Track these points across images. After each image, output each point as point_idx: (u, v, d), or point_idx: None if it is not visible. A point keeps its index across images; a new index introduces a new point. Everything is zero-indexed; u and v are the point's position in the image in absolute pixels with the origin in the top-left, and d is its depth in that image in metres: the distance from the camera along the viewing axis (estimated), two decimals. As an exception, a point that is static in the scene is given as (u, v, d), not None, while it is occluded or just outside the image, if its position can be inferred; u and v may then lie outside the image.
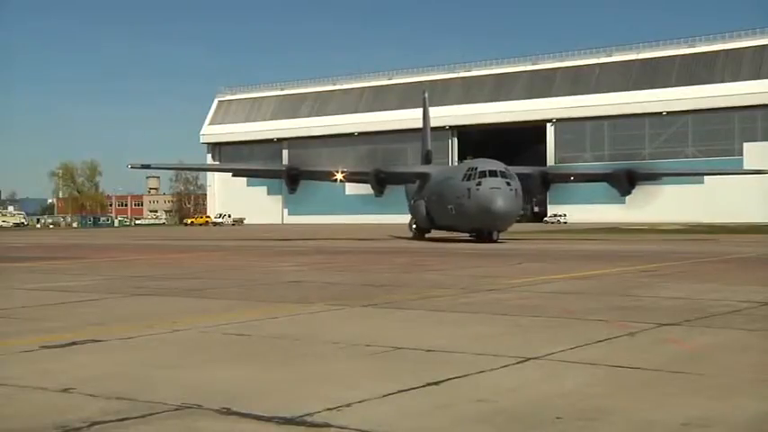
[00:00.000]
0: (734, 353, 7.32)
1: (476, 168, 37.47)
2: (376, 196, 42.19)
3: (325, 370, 6.52)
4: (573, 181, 47.13)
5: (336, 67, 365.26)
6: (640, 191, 42.54)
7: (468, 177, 36.99)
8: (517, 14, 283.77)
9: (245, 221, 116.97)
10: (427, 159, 51.86)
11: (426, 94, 58.48)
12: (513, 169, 45.58)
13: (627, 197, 43.00)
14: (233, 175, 53.18)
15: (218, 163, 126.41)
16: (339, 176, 43.53)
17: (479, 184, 36.32)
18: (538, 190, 44.01)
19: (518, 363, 6.73)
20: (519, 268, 19.39)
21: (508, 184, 36.45)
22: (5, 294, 13.02)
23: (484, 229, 36.82)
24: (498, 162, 39.70)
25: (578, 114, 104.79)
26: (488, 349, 7.33)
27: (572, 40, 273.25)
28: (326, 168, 46.08)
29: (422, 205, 41.99)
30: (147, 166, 48.23)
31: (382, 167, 42.44)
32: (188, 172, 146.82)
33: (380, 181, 41.68)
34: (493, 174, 36.80)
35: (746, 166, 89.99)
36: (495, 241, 36.06)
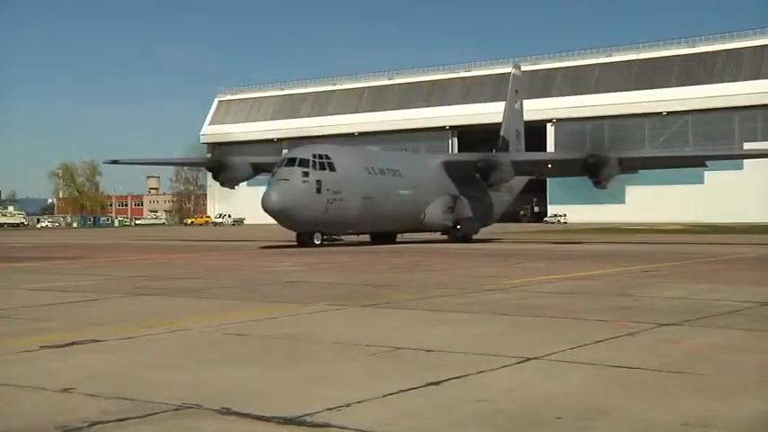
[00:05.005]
0: (734, 353, 7.32)
1: (283, 156, 32.61)
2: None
3: (325, 370, 6.52)
4: (525, 173, 40.42)
5: (336, 67, 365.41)
6: (618, 182, 36.08)
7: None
8: (517, 14, 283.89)
9: (245, 221, 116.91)
10: (502, 147, 46.38)
11: (514, 71, 51.04)
12: (446, 157, 39.84)
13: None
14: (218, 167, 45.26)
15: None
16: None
17: (274, 174, 31.44)
18: (486, 181, 37.05)
19: (518, 363, 6.72)
20: (519, 268, 19.40)
21: (305, 174, 30.66)
22: (5, 294, 13.00)
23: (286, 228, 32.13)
24: (329, 146, 34.17)
25: (578, 114, 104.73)
26: (488, 349, 7.32)
27: (572, 40, 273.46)
28: (256, 159, 40.08)
29: None
30: (116, 162, 50.15)
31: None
32: (188, 171, 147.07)
33: None
34: (291, 162, 31.15)
35: (746, 166, 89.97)
36: (316, 245, 30.96)
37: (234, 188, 39.69)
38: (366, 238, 37.26)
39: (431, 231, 39.02)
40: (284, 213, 30.63)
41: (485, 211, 40.55)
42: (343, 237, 35.13)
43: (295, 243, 31.90)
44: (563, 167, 40.25)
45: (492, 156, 38.33)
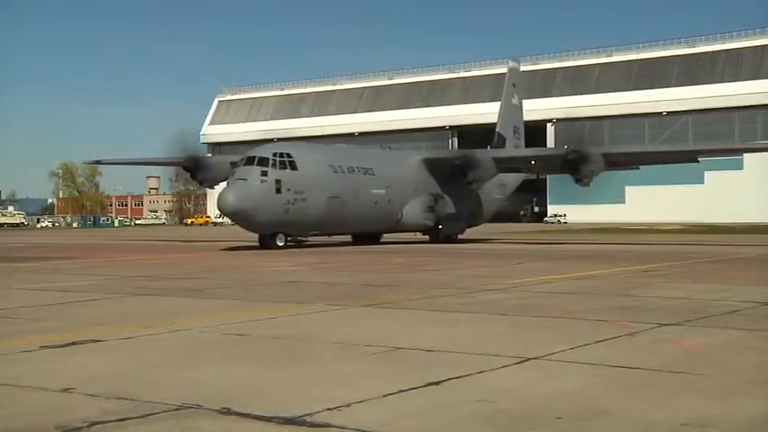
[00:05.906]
0: (734, 353, 7.32)
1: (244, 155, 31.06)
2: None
3: (325, 370, 6.52)
4: (508, 170, 38.88)
5: (336, 67, 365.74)
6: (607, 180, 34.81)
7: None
8: (517, 14, 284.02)
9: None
10: (498, 143, 45.13)
11: (511, 64, 50.45)
12: (415, 155, 36.71)
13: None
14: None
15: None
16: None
17: (233, 174, 30.04)
18: (467, 178, 35.50)
19: (518, 363, 6.72)
20: (519, 268, 19.40)
21: (264, 173, 29.16)
22: (5, 294, 13.01)
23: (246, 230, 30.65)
24: (293, 145, 32.88)
25: (578, 114, 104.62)
26: (488, 349, 7.32)
27: (572, 40, 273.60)
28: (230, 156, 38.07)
29: None
30: (99, 162, 52.12)
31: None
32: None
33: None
34: (250, 161, 29.67)
35: (746, 166, 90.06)
36: (279, 247, 29.52)
37: (213, 188, 37.92)
38: (347, 238, 36.09)
39: (409, 231, 37.57)
40: (240, 214, 29.24)
41: (472, 210, 38.86)
42: (309, 238, 33.69)
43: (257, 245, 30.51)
44: (546, 164, 39.12)
45: (471, 153, 36.71)
